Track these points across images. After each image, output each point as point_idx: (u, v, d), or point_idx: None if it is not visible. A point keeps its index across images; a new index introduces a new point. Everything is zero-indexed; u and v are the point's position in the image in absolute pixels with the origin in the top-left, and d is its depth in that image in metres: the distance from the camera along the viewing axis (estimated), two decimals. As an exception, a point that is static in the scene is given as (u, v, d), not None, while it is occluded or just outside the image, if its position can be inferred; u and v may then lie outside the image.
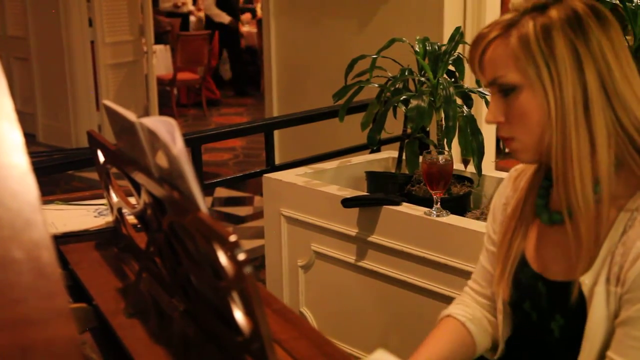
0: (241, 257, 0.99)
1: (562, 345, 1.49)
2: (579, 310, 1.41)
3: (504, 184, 1.68)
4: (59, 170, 3.63)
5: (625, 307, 1.35)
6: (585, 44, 1.36)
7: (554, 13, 1.38)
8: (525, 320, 1.56)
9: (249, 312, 1.05)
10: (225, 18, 10.94)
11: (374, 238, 2.68)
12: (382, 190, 2.81)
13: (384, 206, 2.64)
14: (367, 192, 2.85)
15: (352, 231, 2.73)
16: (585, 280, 1.40)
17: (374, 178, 2.90)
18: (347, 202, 2.68)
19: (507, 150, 1.48)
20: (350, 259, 2.78)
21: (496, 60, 1.41)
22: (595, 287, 1.38)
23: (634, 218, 1.36)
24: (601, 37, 1.37)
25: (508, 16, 1.42)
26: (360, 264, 2.74)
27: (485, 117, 1.47)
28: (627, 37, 2.39)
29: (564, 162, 1.37)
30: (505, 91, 1.41)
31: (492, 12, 4.51)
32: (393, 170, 3.04)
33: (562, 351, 1.49)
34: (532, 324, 1.54)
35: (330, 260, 2.86)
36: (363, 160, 3.24)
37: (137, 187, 1.43)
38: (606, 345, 1.39)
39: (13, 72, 8.44)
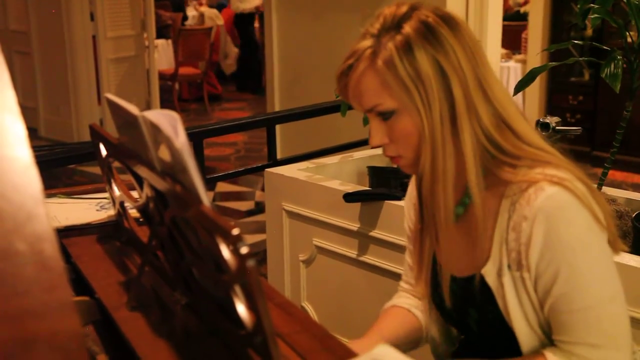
0: (244, 250, 0.98)
1: (482, 336, 1.55)
2: (488, 301, 1.47)
3: (411, 185, 1.74)
4: (60, 164, 3.64)
5: (547, 293, 1.40)
6: (445, 58, 1.39)
7: (408, 29, 1.39)
8: (450, 319, 1.63)
9: (251, 305, 1.05)
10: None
11: (375, 233, 2.68)
12: (384, 185, 2.81)
13: (386, 201, 2.64)
14: (369, 187, 2.85)
15: (354, 226, 2.74)
16: (488, 272, 1.46)
17: (376, 173, 2.90)
18: (349, 197, 2.68)
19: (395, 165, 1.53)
20: (352, 253, 2.78)
21: (370, 91, 1.42)
22: (502, 277, 1.44)
23: (514, 202, 1.41)
24: (456, 46, 1.40)
25: (366, 43, 1.43)
26: (361, 258, 2.74)
27: (369, 142, 1.49)
28: (630, 33, 2.39)
29: (432, 177, 1.44)
30: (384, 116, 1.43)
31: (494, 6, 4.51)
32: (395, 165, 3.04)
33: (488, 345, 1.56)
34: (455, 322, 1.62)
35: (332, 255, 2.86)
36: (365, 155, 3.24)
37: (140, 180, 1.42)
38: (534, 321, 1.44)
39: (15, 66, 8.44)
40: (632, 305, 1.91)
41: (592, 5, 2.30)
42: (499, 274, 1.44)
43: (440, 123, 1.40)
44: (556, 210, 1.36)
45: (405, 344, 1.70)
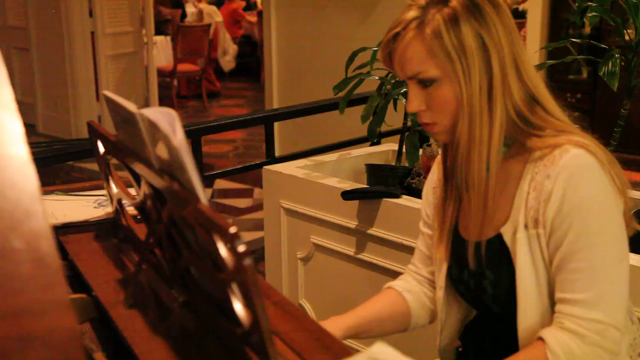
0: (241, 248, 0.98)
1: (497, 300, 1.57)
2: (505, 260, 1.52)
3: (432, 171, 1.80)
4: (58, 160, 3.64)
5: (557, 249, 1.45)
6: (488, 33, 1.46)
7: (455, 3, 1.46)
8: (465, 289, 1.65)
9: (248, 304, 1.05)
10: None
11: (373, 231, 2.68)
12: (382, 182, 2.81)
13: (384, 199, 2.64)
14: (367, 185, 2.85)
15: (352, 224, 2.74)
16: (505, 230, 1.52)
17: (374, 171, 2.90)
18: (347, 195, 2.68)
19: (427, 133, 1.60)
20: (350, 251, 2.78)
21: (415, 58, 1.48)
22: (516, 234, 1.49)
23: (537, 165, 1.47)
24: (497, 24, 1.48)
25: (414, 13, 1.48)
26: (359, 256, 2.75)
27: (407, 107, 1.57)
28: (627, 31, 2.39)
29: (468, 143, 1.50)
30: (425, 83, 1.50)
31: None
32: (393, 163, 3.04)
33: (499, 306, 1.58)
34: (470, 290, 1.63)
35: (330, 252, 2.86)
36: (363, 152, 3.24)
37: (137, 178, 1.42)
38: (538, 291, 1.49)
39: (13, 62, 8.43)
40: (633, 304, 1.92)
41: (590, 3, 2.31)
42: (514, 232, 1.50)
43: (478, 93, 1.46)
44: (579, 169, 1.43)
45: (389, 326, 1.77)
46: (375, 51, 2.83)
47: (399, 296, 1.78)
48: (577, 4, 2.36)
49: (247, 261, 0.99)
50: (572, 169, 1.42)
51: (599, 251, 1.42)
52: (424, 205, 1.80)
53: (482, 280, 1.58)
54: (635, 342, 1.58)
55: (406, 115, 2.80)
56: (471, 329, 1.70)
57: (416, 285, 1.81)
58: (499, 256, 1.53)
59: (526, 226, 1.48)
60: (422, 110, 1.52)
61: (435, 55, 1.45)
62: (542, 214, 1.45)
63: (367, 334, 1.75)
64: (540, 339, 1.45)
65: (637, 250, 2.06)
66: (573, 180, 1.42)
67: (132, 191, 1.54)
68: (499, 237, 1.53)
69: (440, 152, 1.71)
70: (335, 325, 1.65)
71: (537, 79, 1.53)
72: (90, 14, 7.89)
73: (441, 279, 1.68)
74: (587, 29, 6.95)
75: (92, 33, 7.95)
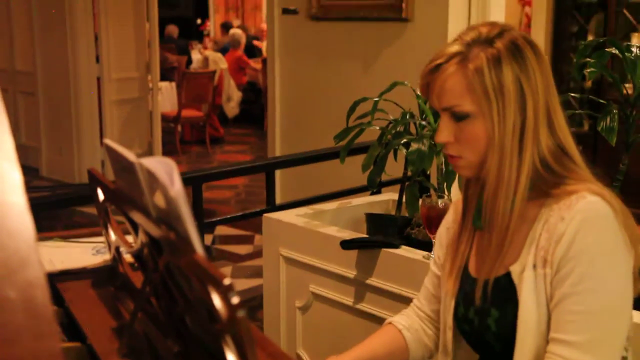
0: (235, 300, 0.98)
1: (500, 338, 1.57)
2: (510, 299, 1.52)
3: (448, 212, 1.83)
4: (61, 205, 3.65)
5: (558, 288, 1.45)
6: (527, 79, 1.49)
7: (500, 45, 1.49)
8: (470, 328, 1.64)
9: (241, 356, 1.05)
10: None
11: (372, 281, 2.67)
12: (382, 232, 2.81)
13: (383, 249, 2.64)
14: (367, 234, 2.85)
15: (351, 273, 2.73)
16: (514, 269, 1.52)
17: (373, 220, 2.90)
18: (346, 244, 2.68)
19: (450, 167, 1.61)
20: (349, 301, 2.77)
21: (454, 91, 1.50)
22: (524, 273, 1.50)
23: (552, 209, 1.49)
24: (537, 71, 1.51)
25: (457, 48, 1.51)
26: (358, 306, 2.73)
27: (435, 137, 1.57)
28: (625, 85, 2.40)
29: (497, 181, 1.52)
30: (459, 117, 1.52)
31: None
32: (393, 213, 3.04)
33: (501, 345, 1.57)
34: (474, 329, 1.62)
35: (329, 302, 2.85)
36: (363, 201, 3.24)
37: (135, 226, 1.43)
38: (537, 331, 1.49)
39: (19, 106, 8.49)
40: None
41: (588, 59, 2.32)
42: (522, 271, 1.51)
43: (511, 135, 1.49)
44: (593, 216, 1.44)
45: None
46: (376, 101, 2.85)
47: (398, 334, 1.80)
48: (575, 60, 2.38)
49: (241, 313, 0.99)
50: (587, 214, 1.43)
51: (600, 298, 1.42)
52: (437, 246, 1.82)
53: (486, 318, 1.58)
54: None
55: (406, 165, 2.81)
56: None
57: (417, 321, 1.84)
58: (506, 294, 1.53)
59: (534, 266, 1.49)
60: (450, 143, 1.54)
61: (474, 91, 1.47)
62: (551, 254, 1.46)
63: None
64: None
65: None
66: (586, 225, 1.43)
67: (130, 239, 1.55)
68: (507, 276, 1.53)
69: (462, 190, 1.73)
70: None
71: (567, 129, 1.55)
72: (97, 60, 7.95)
73: (449, 318, 1.68)
74: (588, 83, 6.98)
75: (98, 78, 8.01)
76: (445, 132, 1.53)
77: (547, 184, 1.51)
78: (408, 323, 1.82)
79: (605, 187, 1.51)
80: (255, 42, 13.26)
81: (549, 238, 1.47)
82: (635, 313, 1.91)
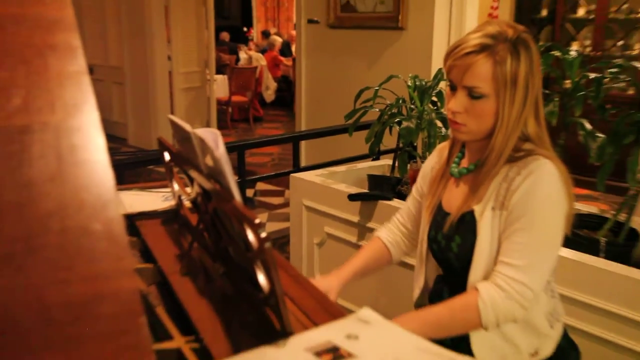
0: (263, 235, 0.99)
1: (458, 258, 1.56)
2: (471, 230, 1.51)
3: (432, 155, 1.79)
4: (140, 165, 3.67)
5: (510, 225, 1.45)
6: (532, 76, 1.44)
7: (519, 45, 1.43)
8: (437, 247, 1.63)
9: (269, 276, 1.06)
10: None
11: (371, 224, 2.68)
12: (379, 188, 2.81)
13: (380, 201, 2.64)
14: (368, 190, 2.85)
15: (355, 218, 2.74)
16: (477, 209, 1.51)
17: (373, 179, 2.90)
18: (352, 197, 2.69)
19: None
20: (353, 239, 2.78)
21: (478, 75, 1.43)
22: (484, 212, 1.49)
23: (512, 166, 1.47)
24: (538, 69, 1.46)
25: (486, 40, 1.43)
26: (360, 243, 2.75)
27: (449, 105, 1.51)
28: (565, 81, 2.37)
29: (499, 148, 1.47)
30: (475, 96, 1.45)
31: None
32: (388, 174, 3.04)
33: (460, 266, 1.56)
34: (441, 250, 1.61)
35: (338, 239, 2.86)
36: (365, 165, 3.24)
37: (192, 180, 1.43)
38: (489, 257, 1.48)
39: (112, 92, 8.50)
40: (574, 287, 1.90)
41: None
42: (483, 211, 1.49)
43: (516, 117, 1.45)
44: (543, 174, 1.43)
45: (372, 270, 1.81)
46: (376, 90, 2.83)
47: (383, 247, 1.82)
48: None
49: (267, 244, 0.99)
50: (538, 173, 1.42)
51: (539, 234, 1.42)
52: (420, 177, 1.79)
53: (451, 242, 1.57)
54: (555, 311, 1.57)
55: (398, 138, 2.80)
56: (436, 282, 1.68)
57: (398, 235, 1.84)
58: (468, 226, 1.52)
59: (493, 208, 1.47)
60: (459, 113, 1.48)
61: (495, 79, 1.42)
62: (508, 200, 1.45)
63: (360, 278, 1.78)
64: (476, 289, 1.45)
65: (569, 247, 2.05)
66: (537, 181, 1.42)
67: (188, 190, 1.56)
68: (471, 213, 1.52)
69: (446, 149, 1.69)
70: (338, 276, 1.72)
71: (544, 117, 1.52)
72: (169, 58, 7.95)
73: (425, 237, 1.67)
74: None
75: (170, 72, 8.01)
76: (457, 104, 1.47)
77: (518, 152, 1.48)
78: (391, 237, 1.83)
79: (556, 156, 1.49)
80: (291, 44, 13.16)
81: (507, 188, 1.45)
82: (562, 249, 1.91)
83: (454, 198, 1.60)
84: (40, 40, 0.97)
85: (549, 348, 1.55)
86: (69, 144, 0.88)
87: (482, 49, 1.42)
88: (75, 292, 0.77)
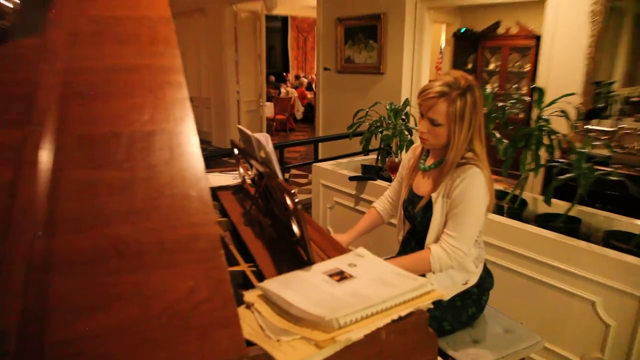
0: (296, 200, 0.98)
1: (421, 224, 1.52)
2: (429, 208, 1.47)
3: (410, 151, 1.71)
4: (218, 156, 3.66)
5: (451, 209, 1.41)
6: (476, 114, 1.38)
7: (469, 98, 1.37)
8: (409, 215, 1.59)
9: (299, 226, 1.05)
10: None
11: (363, 195, 2.66)
12: (369, 173, 2.78)
13: (369, 181, 2.62)
14: (361, 174, 2.83)
15: (352, 191, 2.72)
16: (433, 195, 1.47)
17: (364, 168, 2.88)
18: (351, 178, 2.67)
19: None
20: (352, 205, 2.76)
21: (437, 112, 1.39)
22: (437, 198, 1.45)
23: (456, 170, 1.41)
24: (480, 111, 1.39)
25: (442, 89, 1.38)
26: (356, 207, 2.73)
27: (418, 127, 1.46)
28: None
29: (452, 159, 1.42)
30: (434, 123, 1.41)
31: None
32: (374, 164, 3.02)
33: (421, 228, 1.52)
34: (410, 216, 1.57)
35: (343, 205, 2.85)
36: (360, 159, 3.21)
37: (251, 165, 1.43)
38: (439, 226, 1.45)
39: (203, 113, 8.48)
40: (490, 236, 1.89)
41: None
42: (437, 197, 1.45)
43: (462, 139, 1.39)
44: (473, 178, 1.38)
45: (371, 230, 1.74)
46: (367, 111, 2.80)
47: (377, 213, 1.75)
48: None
49: (299, 206, 0.99)
50: (470, 177, 1.38)
51: (469, 217, 1.39)
52: (401, 166, 1.73)
53: (416, 214, 1.54)
54: (479, 256, 1.55)
55: (381, 141, 2.77)
56: (407, 234, 1.65)
57: (387, 203, 1.76)
58: (427, 206, 1.49)
59: (443, 196, 1.44)
60: (424, 132, 1.43)
61: (448, 114, 1.36)
62: (451, 193, 1.41)
63: (362, 236, 1.73)
64: (429, 248, 1.43)
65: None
66: (468, 182, 1.38)
67: (249, 172, 1.55)
68: (430, 198, 1.48)
69: (419, 148, 1.62)
70: (348, 236, 1.67)
71: (484, 139, 1.44)
72: (237, 92, 7.93)
73: (400, 205, 1.64)
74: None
75: (238, 101, 7.99)
76: (424, 127, 1.42)
77: (462, 159, 1.42)
78: (382, 206, 1.76)
79: (486, 163, 1.43)
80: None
81: (452, 184, 1.41)
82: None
83: (420, 184, 1.57)
84: (161, 79, 0.97)
85: (474, 279, 1.53)
86: (177, 142, 0.88)
87: (441, 95, 1.38)
88: (181, 233, 0.77)
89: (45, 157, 0.82)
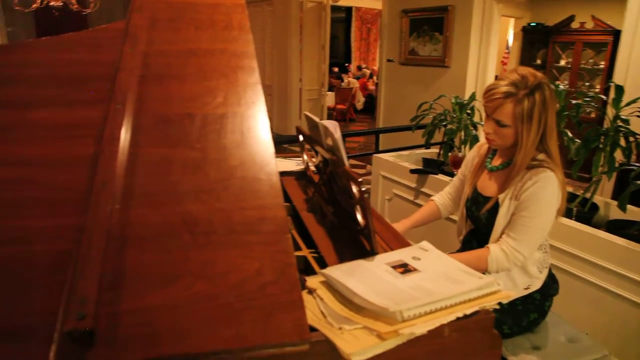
0: (363, 188, 0.95)
1: (485, 226, 1.44)
2: (495, 210, 1.40)
3: (474, 149, 1.62)
4: (283, 143, 3.71)
5: (518, 211, 1.33)
6: (545, 113, 1.27)
7: (536, 92, 1.26)
8: (472, 216, 1.51)
9: (364, 215, 1.02)
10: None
11: (424, 189, 2.58)
12: (430, 167, 2.70)
13: (430, 174, 2.54)
14: (422, 167, 2.75)
15: (413, 185, 2.65)
16: (501, 197, 1.38)
17: (426, 161, 2.79)
18: (412, 171, 2.60)
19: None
20: (411, 198, 2.70)
21: (503, 113, 1.30)
22: (505, 200, 1.36)
23: (527, 172, 1.33)
24: (551, 107, 1.28)
25: (511, 89, 1.28)
26: (416, 200, 2.66)
27: (484, 128, 1.37)
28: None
29: (520, 160, 1.33)
30: (500, 125, 1.32)
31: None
32: (436, 158, 2.91)
33: (485, 229, 1.45)
34: (474, 216, 1.50)
35: (401, 198, 2.79)
36: (421, 152, 3.12)
37: (316, 152, 1.41)
38: (503, 228, 1.37)
39: (265, 100, 8.64)
40: (557, 239, 1.76)
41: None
42: (504, 199, 1.38)
43: (532, 141, 1.30)
44: (546, 182, 1.30)
45: (426, 222, 1.68)
46: (431, 104, 2.70)
47: (435, 207, 1.69)
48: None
49: (365, 195, 0.96)
50: (543, 180, 1.29)
51: (535, 221, 1.30)
52: (464, 165, 1.63)
53: (481, 216, 1.46)
54: (544, 261, 1.45)
55: (444, 135, 2.66)
56: (469, 234, 1.58)
57: (447, 198, 1.69)
58: (493, 207, 1.41)
59: (510, 198, 1.35)
60: (491, 134, 1.34)
61: (515, 115, 1.28)
62: (520, 195, 1.32)
63: (418, 226, 1.67)
64: (489, 247, 1.35)
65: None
66: (540, 185, 1.29)
67: (313, 159, 1.54)
68: (497, 200, 1.40)
69: (484, 147, 1.54)
70: (402, 226, 1.62)
71: (557, 139, 1.34)
72: (300, 80, 7.99)
73: (463, 204, 1.56)
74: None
75: (300, 89, 8.06)
76: (490, 128, 1.33)
77: (534, 160, 1.33)
78: (441, 201, 1.70)
79: (559, 168, 1.33)
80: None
81: (522, 187, 1.32)
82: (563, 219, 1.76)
83: (486, 184, 1.48)
84: (234, 64, 0.97)
85: (537, 284, 1.44)
86: (248, 125, 0.88)
87: (507, 95, 1.28)
88: (249, 215, 0.76)
89: (124, 134, 0.84)
